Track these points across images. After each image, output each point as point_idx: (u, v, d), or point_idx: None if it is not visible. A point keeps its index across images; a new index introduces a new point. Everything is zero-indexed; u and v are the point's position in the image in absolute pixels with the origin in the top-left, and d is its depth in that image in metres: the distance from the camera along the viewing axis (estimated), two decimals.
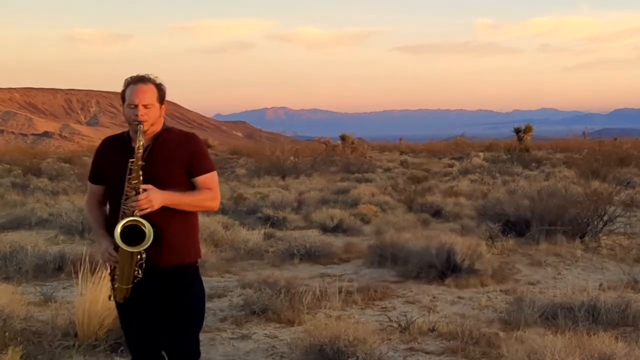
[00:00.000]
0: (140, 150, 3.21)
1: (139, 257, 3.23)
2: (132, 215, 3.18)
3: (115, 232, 3.18)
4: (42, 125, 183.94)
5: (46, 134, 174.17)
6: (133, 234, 3.17)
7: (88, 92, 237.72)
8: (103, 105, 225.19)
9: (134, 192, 3.20)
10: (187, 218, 3.39)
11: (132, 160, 3.21)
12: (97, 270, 5.44)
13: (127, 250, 3.19)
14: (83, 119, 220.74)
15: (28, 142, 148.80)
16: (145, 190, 3.20)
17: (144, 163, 3.22)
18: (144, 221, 3.17)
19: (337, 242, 10.09)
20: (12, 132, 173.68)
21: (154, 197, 3.20)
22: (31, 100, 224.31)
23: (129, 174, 3.21)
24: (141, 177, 3.21)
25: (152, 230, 3.17)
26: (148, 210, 3.19)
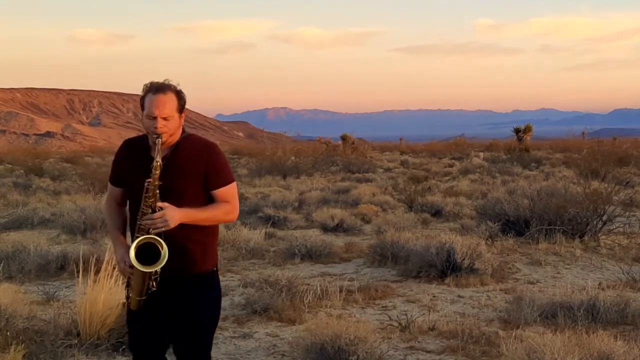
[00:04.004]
0: (157, 172, 3.12)
1: (154, 272, 3.17)
2: (148, 233, 3.14)
3: (130, 252, 3.12)
4: (44, 125, 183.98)
5: (48, 134, 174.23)
6: (149, 250, 3.13)
7: (90, 93, 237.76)
8: (105, 106, 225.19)
9: (150, 210, 3.14)
10: (204, 228, 3.31)
11: (148, 180, 3.13)
12: (99, 270, 5.47)
13: (140, 270, 3.15)
14: (85, 119, 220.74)
15: (30, 142, 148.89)
16: (161, 208, 3.13)
17: (160, 183, 3.14)
18: (160, 240, 3.11)
19: (338, 241, 10.12)
20: (15, 132, 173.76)
21: (170, 216, 3.12)
22: (33, 100, 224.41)
23: (145, 193, 3.14)
24: (158, 196, 3.14)
25: (167, 251, 3.11)
26: (163, 229, 3.13)
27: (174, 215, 3.13)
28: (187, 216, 3.19)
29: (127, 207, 3.43)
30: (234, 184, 3.38)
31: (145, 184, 3.13)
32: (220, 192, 3.30)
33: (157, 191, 3.14)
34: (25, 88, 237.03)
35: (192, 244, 3.26)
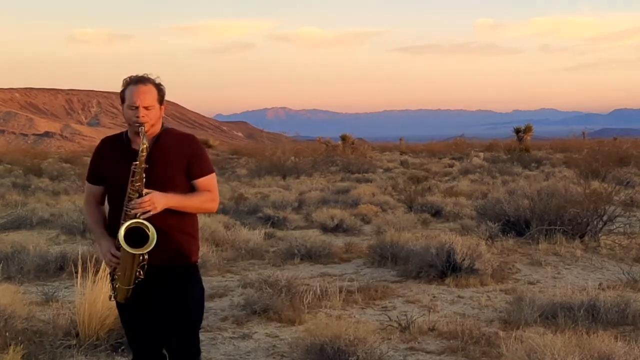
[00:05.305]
0: (144, 154, 3.21)
1: (141, 258, 3.24)
2: (135, 218, 3.19)
3: (119, 234, 3.19)
4: (43, 125, 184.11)
5: (47, 134, 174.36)
6: (135, 236, 3.19)
7: (89, 93, 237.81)
8: (104, 106, 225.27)
9: (137, 195, 3.21)
10: (187, 219, 3.41)
11: (135, 163, 3.21)
12: (98, 270, 5.46)
13: (129, 252, 3.20)
14: (84, 119, 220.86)
15: (29, 142, 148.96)
16: (148, 192, 3.21)
17: (147, 166, 3.23)
18: (147, 224, 3.19)
19: (338, 242, 10.10)
20: (13, 133, 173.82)
21: (157, 200, 3.21)
22: (32, 100, 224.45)
23: (132, 177, 3.21)
24: (144, 180, 3.22)
25: (155, 233, 3.18)
26: (151, 213, 3.20)
27: (160, 198, 3.23)
28: (172, 201, 3.28)
29: (107, 204, 3.48)
30: (214, 174, 3.49)
31: (132, 167, 3.21)
32: (202, 181, 3.40)
33: (144, 175, 3.22)
34: (24, 88, 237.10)
35: (176, 233, 3.34)
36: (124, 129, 3.47)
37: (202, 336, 3.64)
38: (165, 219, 3.26)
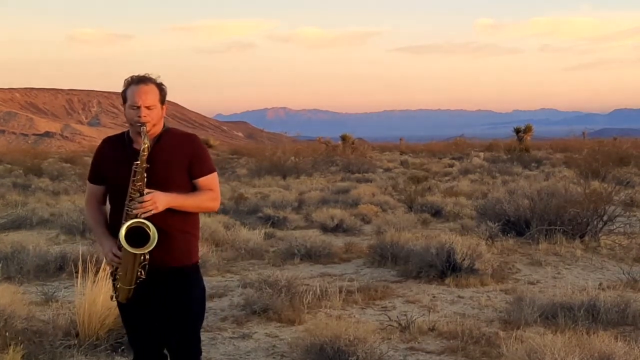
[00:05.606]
0: (145, 153, 3.22)
1: (142, 258, 3.24)
2: (136, 217, 3.20)
3: (120, 233, 3.19)
4: (44, 125, 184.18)
5: (47, 134, 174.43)
6: (136, 235, 3.19)
7: (89, 92, 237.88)
8: (104, 106, 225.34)
9: (138, 194, 3.22)
10: (188, 218, 3.41)
11: (136, 162, 3.21)
12: (98, 270, 5.46)
13: (131, 252, 3.20)
14: (84, 119, 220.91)
15: (29, 142, 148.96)
16: (149, 192, 3.22)
17: (148, 165, 3.23)
18: (148, 223, 3.19)
19: (338, 242, 10.10)
20: (14, 133, 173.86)
21: (159, 199, 3.22)
22: (32, 100, 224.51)
23: (134, 176, 3.22)
24: (145, 180, 3.23)
25: (156, 233, 3.18)
26: (152, 212, 3.21)
27: (161, 198, 3.23)
28: (174, 200, 3.29)
29: (108, 204, 3.48)
30: (216, 174, 3.49)
31: (134, 166, 3.22)
32: (204, 180, 3.41)
33: (145, 174, 3.22)
34: (24, 88, 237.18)
35: (177, 232, 3.34)
36: (124, 129, 3.47)
37: (202, 336, 3.64)
38: (166, 219, 3.27)
